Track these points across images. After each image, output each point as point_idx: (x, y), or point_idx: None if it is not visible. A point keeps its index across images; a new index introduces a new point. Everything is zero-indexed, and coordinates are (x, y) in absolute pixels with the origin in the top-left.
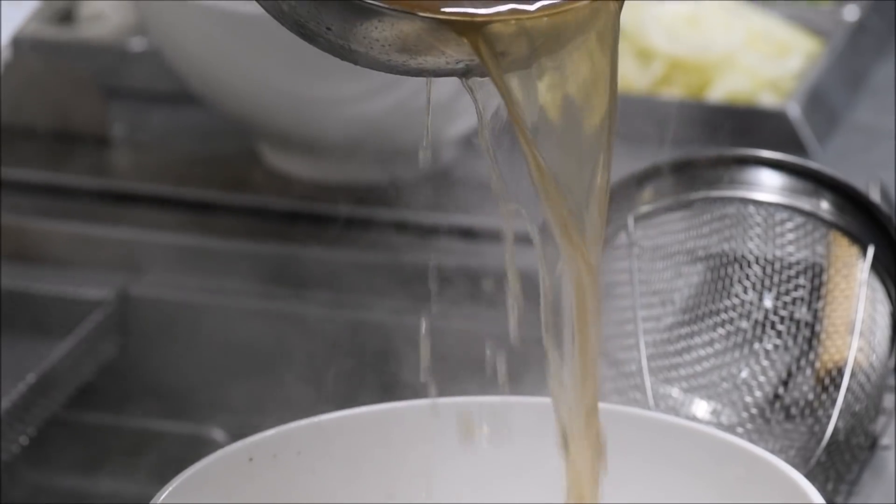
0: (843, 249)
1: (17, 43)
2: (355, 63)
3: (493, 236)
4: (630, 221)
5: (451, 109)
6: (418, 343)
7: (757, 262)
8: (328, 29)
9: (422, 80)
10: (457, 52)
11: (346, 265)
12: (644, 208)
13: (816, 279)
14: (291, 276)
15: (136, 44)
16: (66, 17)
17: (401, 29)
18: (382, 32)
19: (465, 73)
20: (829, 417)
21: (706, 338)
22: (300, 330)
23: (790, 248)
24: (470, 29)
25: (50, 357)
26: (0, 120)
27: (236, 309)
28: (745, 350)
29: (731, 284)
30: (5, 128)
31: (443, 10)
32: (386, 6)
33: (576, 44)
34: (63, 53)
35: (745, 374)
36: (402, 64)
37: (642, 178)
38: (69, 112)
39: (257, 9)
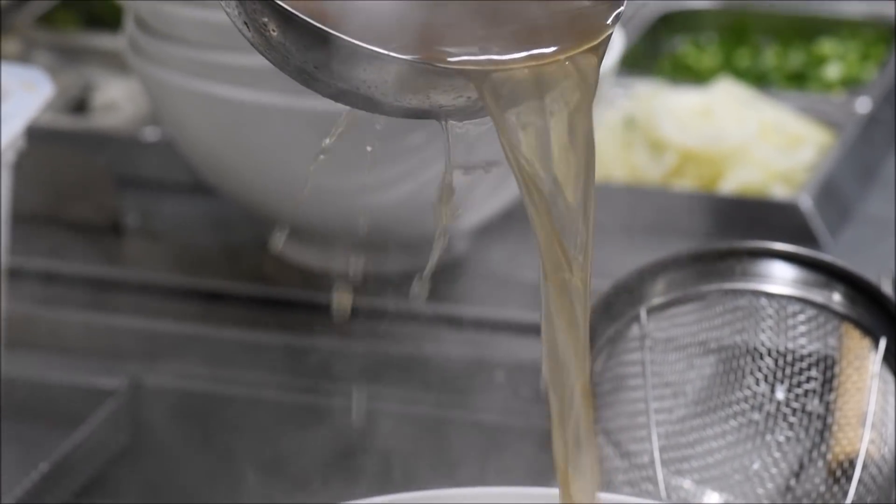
0: (855, 342)
1: (32, 132)
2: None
3: (505, 327)
4: (643, 314)
5: (462, 202)
6: (431, 433)
7: (769, 354)
8: (327, 73)
9: (435, 171)
10: (457, 93)
11: (358, 355)
12: (657, 300)
13: (828, 371)
14: (305, 366)
15: (149, 133)
16: (80, 106)
17: (409, 73)
18: (384, 76)
19: (476, 111)
20: None
21: (718, 429)
22: (314, 420)
23: (802, 341)
24: (477, 76)
25: (62, 446)
26: (13, 208)
27: (249, 399)
28: (757, 442)
29: (744, 376)
30: (19, 216)
31: (451, 59)
32: (399, 56)
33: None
34: (77, 143)
35: (757, 465)
36: (400, 103)
37: (655, 271)
38: (82, 201)
39: (269, 99)
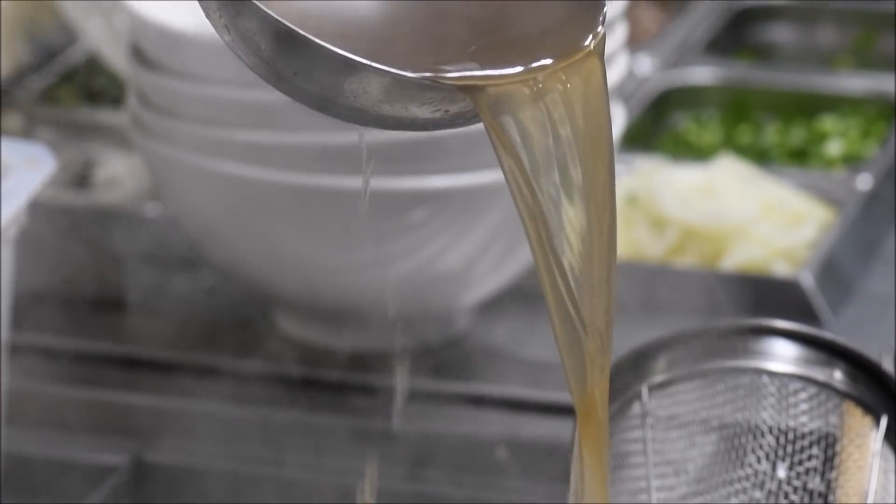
0: (857, 420)
1: (34, 207)
2: (327, 111)
3: (506, 405)
4: (644, 391)
5: (464, 278)
6: None
7: (771, 432)
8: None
9: (437, 247)
10: (445, 104)
11: (358, 432)
12: (658, 378)
13: (830, 449)
14: (306, 442)
15: (151, 209)
16: (82, 182)
17: (394, 86)
18: (368, 87)
19: (449, 124)
20: None
21: None
22: (314, 497)
23: (804, 419)
24: (474, 90)
25: None
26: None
27: (250, 476)
28: None
29: (745, 454)
30: (21, 291)
31: (449, 75)
32: (401, 73)
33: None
34: (78, 218)
35: None
36: (378, 112)
37: (657, 348)
38: (84, 277)
39: (272, 175)
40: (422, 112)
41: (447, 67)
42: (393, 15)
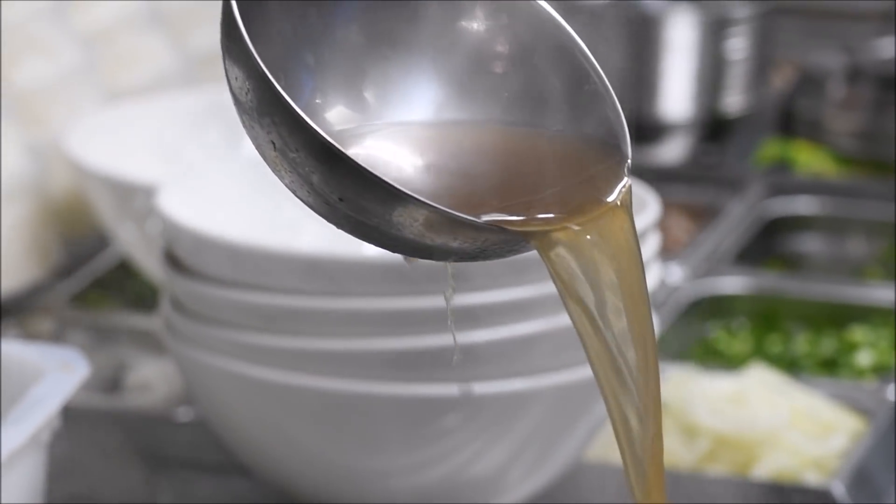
0: None
1: (66, 411)
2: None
3: None
4: None
5: (496, 483)
6: None
7: None
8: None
9: (470, 452)
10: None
11: None
12: None
13: None
14: None
15: (183, 413)
16: (114, 386)
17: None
18: (415, 219)
19: (477, 256)
20: None
21: None
22: None
23: None
24: (537, 235)
25: None
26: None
27: None
28: None
29: None
30: (53, 496)
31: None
32: (466, 217)
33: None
34: (110, 422)
35: None
36: (422, 241)
37: None
38: (116, 481)
39: (306, 381)
40: (459, 245)
41: (500, 214)
42: (436, 164)
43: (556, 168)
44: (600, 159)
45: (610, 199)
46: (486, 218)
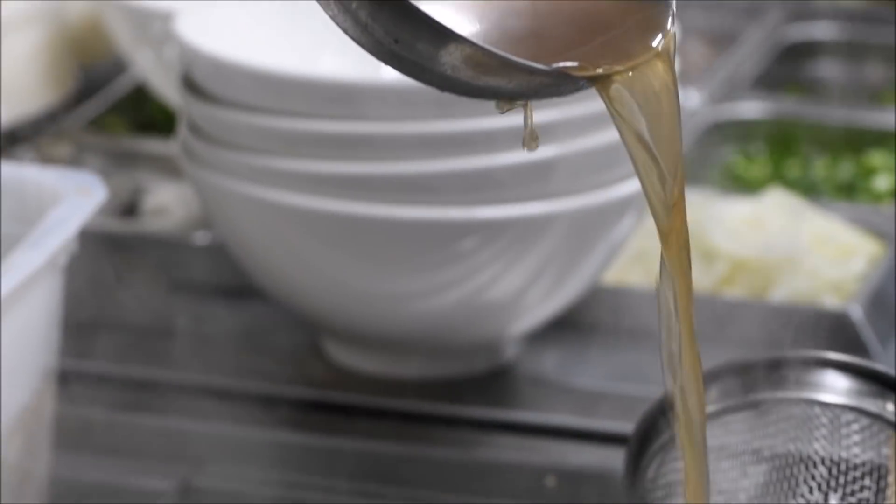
0: None
1: (83, 235)
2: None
3: (554, 434)
4: None
5: (513, 308)
6: None
7: (823, 463)
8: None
9: (486, 278)
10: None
11: (407, 460)
12: (710, 408)
13: (882, 480)
14: (353, 470)
15: (200, 238)
16: (131, 210)
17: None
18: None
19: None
20: None
21: None
22: None
23: (856, 450)
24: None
25: None
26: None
27: (298, 503)
28: None
29: (797, 485)
30: (70, 319)
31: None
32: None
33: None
34: (127, 246)
35: None
36: (476, 83)
37: (708, 379)
38: (132, 304)
39: (323, 205)
40: (508, 85)
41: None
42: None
43: (603, 15)
44: (645, 7)
45: (655, 44)
46: (551, 66)
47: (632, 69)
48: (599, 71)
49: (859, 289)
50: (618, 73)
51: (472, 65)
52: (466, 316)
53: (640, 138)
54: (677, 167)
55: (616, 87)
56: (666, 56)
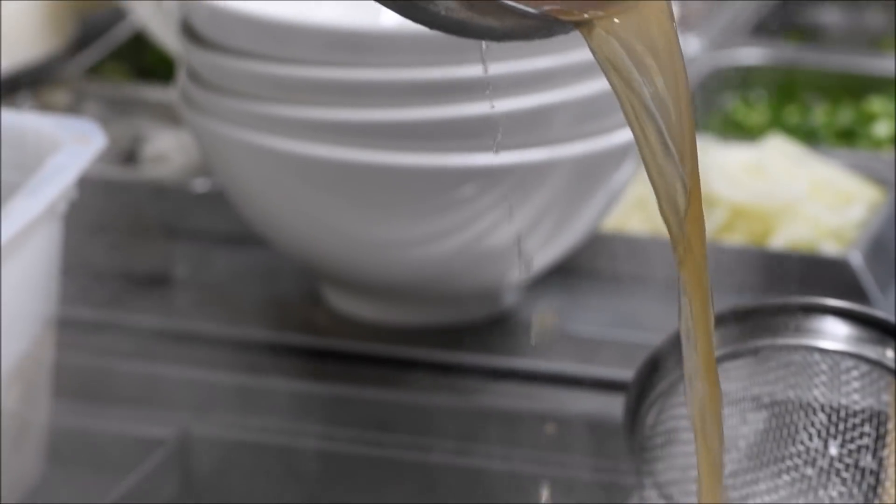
0: None
1: (82, 183)
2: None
3: (554, 381)
4: None
5: (512, 255)
6: (477, 485)
7: (822, 410)
8: None
9: (487, 223)
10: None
11: (406, 407)
12: None
13: (882, 427)
14: (355, 417)
15: (200, 185)
16: (130, 157)
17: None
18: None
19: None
20: None
21: (770, 484)
22: (362, 472)
23: (855, 397)
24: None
25: (111, 495)
26: (63, 258)
27: (299, 450)
28: (810, 497)
29: (797, 432)
30: (69, 267)
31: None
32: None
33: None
34: (127, 194)
35: None
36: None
37: None
38: (131, 251)
39: (323, 151)
40: (500, 26)
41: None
42: None
43: None
44: None
45: None
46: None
47: (617, 15)
48: (585, 16)
49: (859, 235)
50: (600, 18)
51: (466, 6)
52: (466, 263)
53: (630, 84)
54: (683, 112)
55: (598, 33)
56: (661, 4)
